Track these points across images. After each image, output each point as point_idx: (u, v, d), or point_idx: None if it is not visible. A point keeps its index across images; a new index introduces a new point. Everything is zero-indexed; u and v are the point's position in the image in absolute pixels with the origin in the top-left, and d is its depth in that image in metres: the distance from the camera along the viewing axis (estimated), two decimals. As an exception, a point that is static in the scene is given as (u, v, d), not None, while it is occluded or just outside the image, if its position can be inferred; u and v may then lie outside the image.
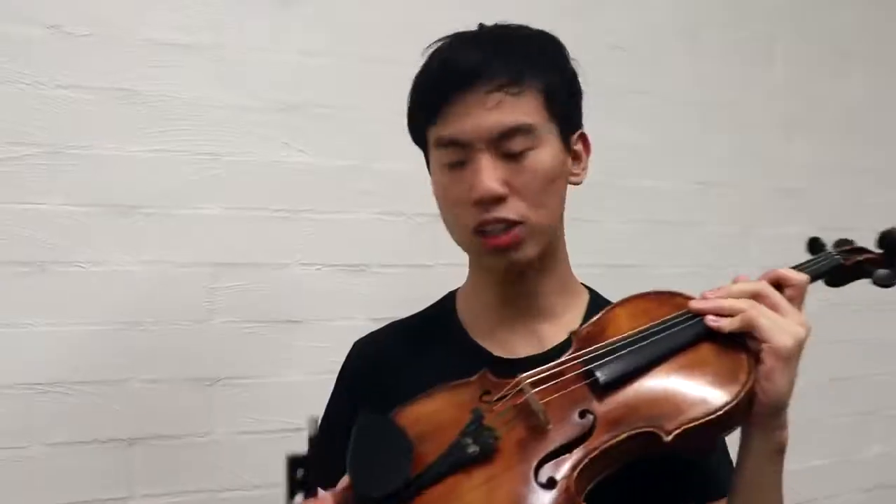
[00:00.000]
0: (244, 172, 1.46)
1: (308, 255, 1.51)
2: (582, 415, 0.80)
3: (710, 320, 0.85)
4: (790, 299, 0.87)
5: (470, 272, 1.06)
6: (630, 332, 0.85)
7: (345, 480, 0.82)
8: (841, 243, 1.08)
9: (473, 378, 0.88)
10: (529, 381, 0.83)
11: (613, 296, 1.90)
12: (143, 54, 1.39)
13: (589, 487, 0.78)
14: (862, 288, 2.03)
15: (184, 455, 1.40)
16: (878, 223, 2.15)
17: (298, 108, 1.51)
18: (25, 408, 1.32)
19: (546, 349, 0.99)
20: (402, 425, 0.82)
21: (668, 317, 0.86)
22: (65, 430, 1.33)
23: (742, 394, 0.80)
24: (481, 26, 0.99)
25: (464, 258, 1.04)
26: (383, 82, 1.56)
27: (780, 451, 0.88)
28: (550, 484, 0.76)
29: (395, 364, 1.04)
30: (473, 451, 0.78)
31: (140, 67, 1.39)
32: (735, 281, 0.91)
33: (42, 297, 1.33)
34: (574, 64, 0.99)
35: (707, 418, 0.78)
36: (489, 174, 0.90)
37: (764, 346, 0.82)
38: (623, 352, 0.84)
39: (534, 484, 0.76)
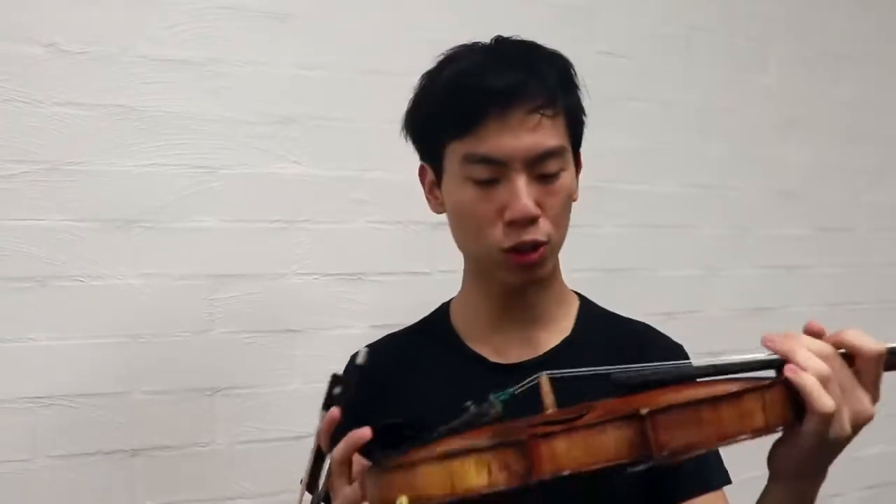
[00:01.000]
0: (240, 185, 1.48)
1: (306, 265, 1.53)
2: (582, 407, 0.80)
3: (790, 370, 0.73)
4: (857, 373, 0.76)
5: (466, 282, 1.07)
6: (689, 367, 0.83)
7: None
8: None
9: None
10: (548, 381, 0.83)
11: (610, 300, 1.93)
12: (138, 71, 1.41)
13: (558, 471, 0.70)
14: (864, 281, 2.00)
15: (186, 465, 1.42)
16: (875, 223, 2.19)
17: (294, 120, 1.53)
18: (29, 421, 1.33)
19: (540, 353, 1.02)
20: None
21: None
22: (68, 443, 1.35)
23: (739, 396, 0.70)
24: (499, 41, 1.00)
25: (461, 265, 1.06)
26: (377, 93, 1.59)
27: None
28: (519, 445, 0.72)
29: (394, 373, 1.06)
30: (495, 414, 0.78)
31: (135, 84, 1.41)
32: (808, 329, 0.78)
33: (43, 311, 1.34)
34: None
35: (690, 400, 0.70)
36: (527, 195, 0.92)
37: (809, 415, 0.73)
38: (658, 371, 0.82)
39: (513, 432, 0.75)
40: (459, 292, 1.09)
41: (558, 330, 1.05)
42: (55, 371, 1.35)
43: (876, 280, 2.18)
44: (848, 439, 0.76)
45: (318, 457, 0.84)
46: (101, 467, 1.36)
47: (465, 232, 0.98)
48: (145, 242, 1.41)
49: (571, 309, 1.08)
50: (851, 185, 2.16)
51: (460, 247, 1.02)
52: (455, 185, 0.97)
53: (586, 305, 1.10)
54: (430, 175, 1.02)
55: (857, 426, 0.76)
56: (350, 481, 0.83)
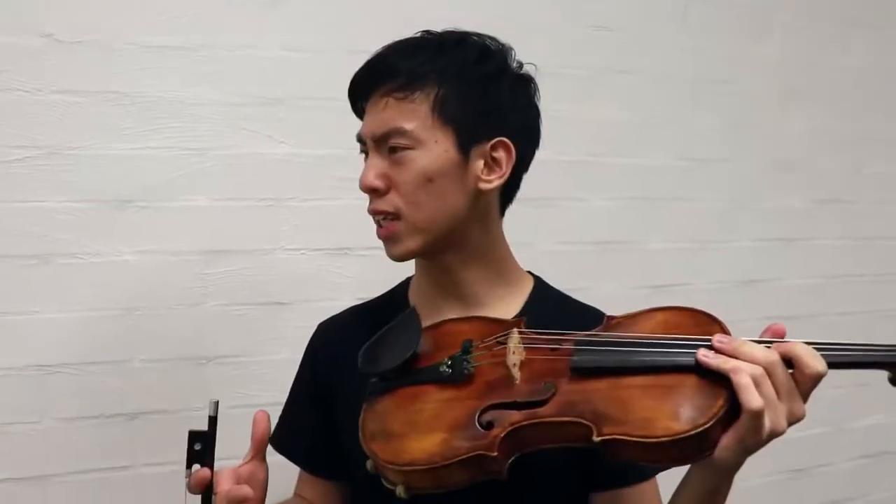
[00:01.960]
0: (230, 165, 1.55)
1: (293, 241, 1.60)
2: (548, 385, 0.86)
3: (702, 355, 0.82)
4: (797, 382, 0.82)
5: (415, 260, 1.13)
6: (640, 335, 0.87)
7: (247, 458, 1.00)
8: None
9: (510, 320, 0.98)
10: (518, 335, 0.91)
11: (599, 274, 1.98)
12: (131, 58, 1.48)
13: (519, 452, 0.84)
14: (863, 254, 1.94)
15: (181, 428, 1.48)
16: (878, 195, 2.15)
17: (281, 101, 1.58)
18: (37, 387, 1.45)
19: None
20: (425, 335, 0.96)
21: (685, 336, 0.85)
22: (72, 407, 1.47)
23: (686, 436, 0.78)
24: (424, 33, 1.05)
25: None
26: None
27: (715, 495, 0.89)
28: (487, 426, 0.84)
29: (352, 344, 1.11)
30: (444, 373, 0.91)
31: (129, 70, 1.48)
32: (768, 330, 0.86)
33: (47, 286, 1.45)
34: (507, 80, 1.02)
35: (640, 440, 0.79)
36: (369, 168, 1.01)
37: (743, 416, 0.80)
38: (615, 349, 0.87)
39: (475, 420, 0.85)
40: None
41: (503, 310, 1.07)
42: (60, 341, 1.46)
43: (875, 253, 2.15)
44: (781, 433, 0.82)
45: None
46: (102, 429, 1.48)
47: None
48: (140, 221, 1.50)
49: (522, 290, 1.11)
50: (855, 156, 2.12)
51: None
52: None
53: (540, 288, 1.13)
54: None
55: (790, 426, 0.83)
56: None
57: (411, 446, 0.86)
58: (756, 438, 0.81)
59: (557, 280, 1.16)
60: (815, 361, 0.82)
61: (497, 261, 1.09)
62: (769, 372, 0.81)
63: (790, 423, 0.83)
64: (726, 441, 0.81)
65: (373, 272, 1.61)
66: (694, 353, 0.83)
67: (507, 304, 1.09)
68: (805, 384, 0.83)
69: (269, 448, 1.18)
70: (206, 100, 1.53)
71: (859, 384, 2.04)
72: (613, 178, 1.87)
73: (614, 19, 1.86)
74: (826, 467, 2.04)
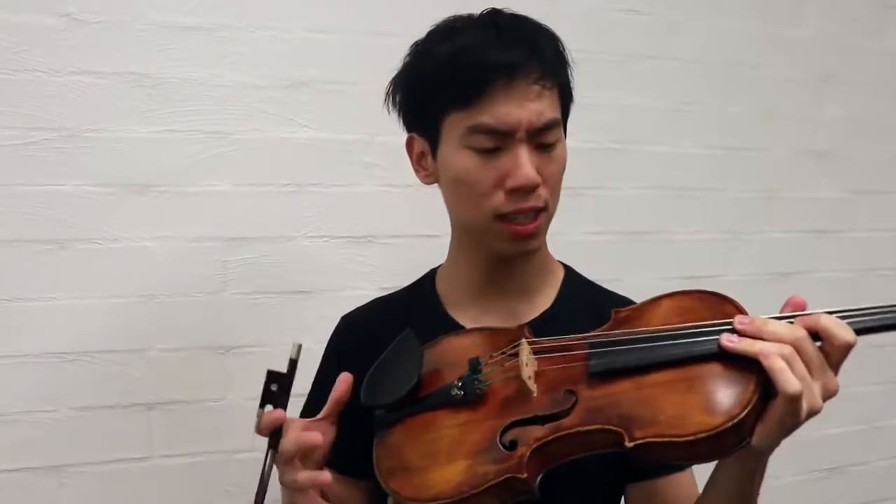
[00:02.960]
0: (252, 149, 1.51)
1: (316, 228, 1.56)
2: (567, 393, 0.82)
3: (725, 340, 0.78)
4: (827, 355, 0.79)
5: (453, 250, 1.09)
6: (655, 328, 0.83)
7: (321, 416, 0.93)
8: None
9: (513, 327, 0.94)
10: (528, 347, 0.87)
11: (632, 264, 1.93)
12: (151, 38, 1.45)
13: (547, 468, 0.80)
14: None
15: (199, 418, 1.49)
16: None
17: (304, 84, 1.54)
18: (55, 375, 1.42)
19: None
20: (426, 355, 0.91)
21: (701, 323, 0.81)
22: (90, 395, 1.43)
23: (723, 429, 0.74)
24: (494, 13, 1.01)
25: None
26: (388, 56, 1.57)
27: (751, 479, 0.86)
28: (511, 446, 0.80)
29: (377, 338, 1.09)
30: (457, 395, 0.86)
31: (148, 51, 1.45)
32: (787, 304, 0.82)
33: (64, 273, 1.42)
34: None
35: (674, 439, 0.75)
36: (530, 163, 0.95)
37: (780, 400, 0.76)
38: (631, 346, 0.82)
39: (497, 441, 0.81)
40: (446, 260, 1.11)
41: (540, 302, 1.07)
42: (77, 329, 1.43)
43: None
44: (819, 412, 0.78)
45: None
46: (119, 419, 1.45)
47: (464, 200, 1.00)
48: (160, 206, 1.46)
49: (555, 280, 1.09)
50: (891, 145, 2.06)
51: (455, 216, 1.05)
52: (453, 154, 0.98)
53: (570, 276, 1.11)
54: (420, 146, 1.04)
55: (826, 399, 0.79)
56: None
57: (434, 479, 0.81)
58: (794, 420, 0.77)
59: (586, 271, 1.13)
60: (843, 331, 0.78)
61: (545, 250, 1.08)
62: (798, 349, 0.77)
63: (825, 399, 0.79)
64: (764, 428, 0.77)
65: (397, 261, 1.60)
66: (716, 338, 0.78)
67: (543, 294, 1.08)
68: (835, 356, 0.79)
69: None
70: (228, 82, 1.50)
71: (894, 381, 2.00)
72: (643, 167, 1.82)
73: (646, 2, 1.81)
74: (861, 466, 1.99)
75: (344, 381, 0.95)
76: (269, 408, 0.89)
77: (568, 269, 1.12)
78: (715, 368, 0.78)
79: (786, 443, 0.80)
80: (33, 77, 1.39)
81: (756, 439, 0.78)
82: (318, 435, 0.90)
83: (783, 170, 1.95)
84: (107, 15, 1.42)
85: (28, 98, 1.39)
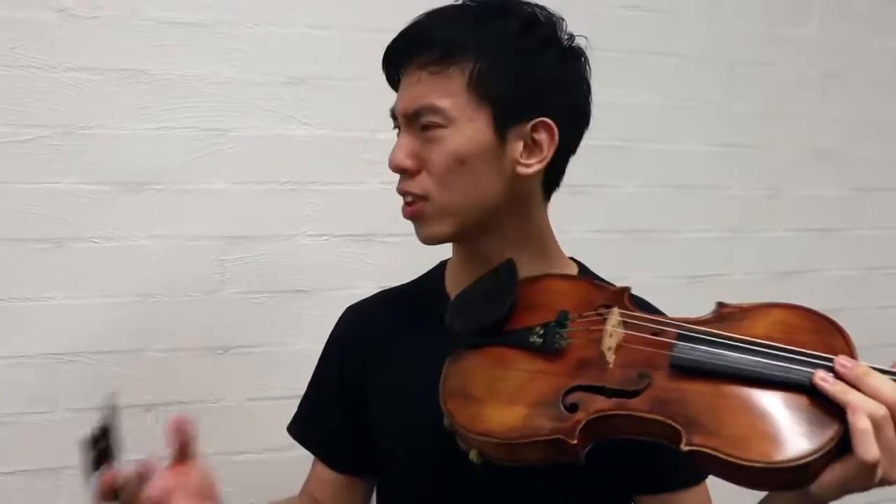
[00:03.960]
0: (250, 146, 1.49)
1: (315, 226, 1.54)
2: (642, 376, 0.79)
3: (819, 378, 0.72)
4: None
5: (452, 244, 1.07)
6: (753, 338, 0.78)
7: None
8: None
9: (614, 288, 0.91)
10: (619, 314, 0.84)
11: (635, 262, 1.90)
12: (148, 34, 1.43)
13: (598, 440, 0.78)
14: None
15: (197, 420, 1.46)
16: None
17: (303, 80, 1.52)
18: (51, 376, 1.40)
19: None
20: (522, 290, 0.90)
21: (803, 350, 0.75)
22: (86, 397, 1.41)
23: (783, 466, 0.70)
24: (467, 1, 0.96)
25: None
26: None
27: None
28: (571, 409, 0.78)
29: (382, 332, 1.08)
30: (535, 342, 0.85)
31: (145, 47, 1.43)
32: None
33: (60, 272, 1.40)
34: (547, 55, 0.93)
35: (730, 459, 0.71)
36: (400, 147, 0.94)
37: (853, 462, 0.70)
38: (723, 350, 0.77)
39: (560, 399, 0.79)
40: (452, 254, 1.09)
41: None
42: (73, 329, 1.41)
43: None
44: (893, 484, 0.73)
45: None
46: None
47: None
48: (157, 204, 1.44)
49: None
50: (894, 143, 2.04)
51: None
52: None
53: (583, 272, 1.06)
54: None
55: (882, 484, 0.72)
56: None
57: (490, 415, 0.81)
58: (863, 485, 0.71)
59: (590, 269, 1.09)
60: None
61: (539, 249, 1.01)
62: (894, 414, 0.70)
63: (884, 484, 0.72)
64: (828, 479, 0.71)
65: (397, 260, 1.57)
66: (811, 372, 0.73)
67: None
68: None
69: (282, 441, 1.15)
70: (226, 79, 1.48)
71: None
72: (647, 165, 1.80)
73: (649, -1, 1.79)
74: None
75: (178, 423, 0.92)
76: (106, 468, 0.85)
77: (581, 266, 1.07)
78: (799, 401, 0.73)
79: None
80: (28, 73, 1.37)
81: (816, 487, 0.72)
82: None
83: (787, 168, 1.93)
84: (103, 10, 1.40)
85: (23, 94, 1.37)
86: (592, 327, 0.84)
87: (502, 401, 0.81)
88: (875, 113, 2.01)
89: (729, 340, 0.78)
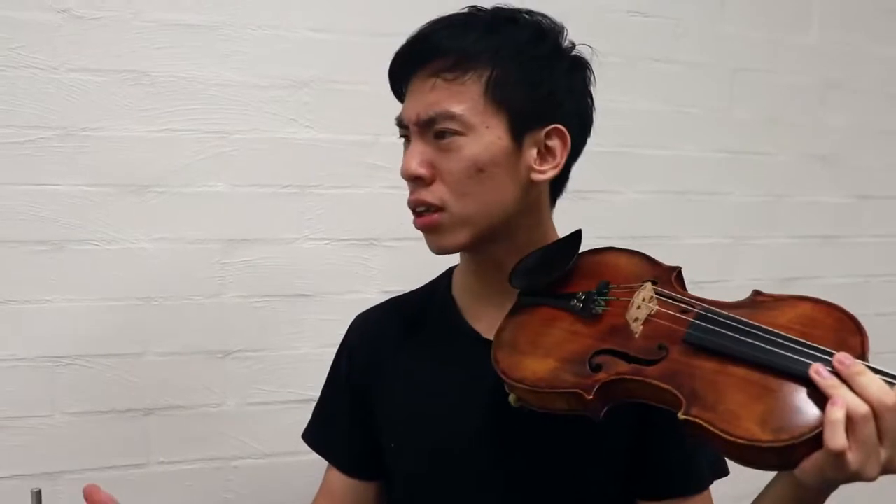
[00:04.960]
0: (253, 150, 1.49)
1: (317, 230, 1.53)
2: (660, 347, 0.85)
3: (814, 370, 0.76)
4: None
5: (460, 253, 1.06)
6: (767, 326, 0.82)
7: None
8: None
9: (665, 266, 0.96)
10: (652, 290, 0.90)
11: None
12: (150, 35, 1.42)
13: (614, 401, 0.85)
14: None
15: (197, 425, 1.46)
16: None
17: (306, 84, 1.52)
18: (49, 379, 1.39)
19: None
20: (583, 259, 0.98)
21: (809, 343, 0.79)
22: (84, 401, 1.40)
23: (765, 446, 0.75)
24: (472, 9, 0.97)
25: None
26: (390, 56, 1.55)
27: None
28: (595, 368, 0.86)
29: (392, 340, 1.08)
30: (575, 306, 0.92)
31: (148, 49, 1.42)
32: None
33: (59, 274, 1.38)
34: (560, 60, 0.95)
35: (720, 433, 0.76)
36: (412, 156, 0.93)
37: (823, 449, 0.73)
38: (733, 333, 0.82)
39: (587, 358, 0.87)
40: (459, 262, 1.09)
41: None
42: (72, 332, 1.40)
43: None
44: (871, 480, 0.74)
45: None
46: (115, 425, 1.41)
47: None
48: (158, 207, 1.43)
49: None
50: (895, 150, 2.05)
51: None
52: None
53: None
54: None
55: (886, 473, 0.75)
56: None
57: (527, 364, 0.89)
58: (836, 474, 0.73)
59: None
60: None
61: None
62: (877, 414, 0.72)
63: (885, 473, 0.74)
64: (807, 465, 0.74)
65: (400, 264, 1.57)
66: (809, 364, 0.77)
67: None
68: None
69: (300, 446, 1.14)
70: (229, 81, 1.47)
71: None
72: (648, 171, 1.80)
73: (651, 4, 1.79)
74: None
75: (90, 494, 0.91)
76: None
77: None
78: (793, 390, 0.77)
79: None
80: (30, 74, 1.36)
81: (798, 472, 0.75)
82: None
83: (788, 174, 1.93)
84: (106, 11, 1.39)
85: (24, 95, 1.36)
86: (627, 298, 0.91)
87: (539, 353, 0.89)
88: (875, 120, 2.01)
89: (744, 326, 0.83)
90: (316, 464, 1.14)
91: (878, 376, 0.75)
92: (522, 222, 0.97)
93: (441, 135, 0.91)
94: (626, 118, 1.77)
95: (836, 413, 0.72)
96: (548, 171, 0.94)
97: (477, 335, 1.01)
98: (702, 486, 0.98)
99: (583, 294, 0.93)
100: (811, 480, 0.75)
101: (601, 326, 0.90)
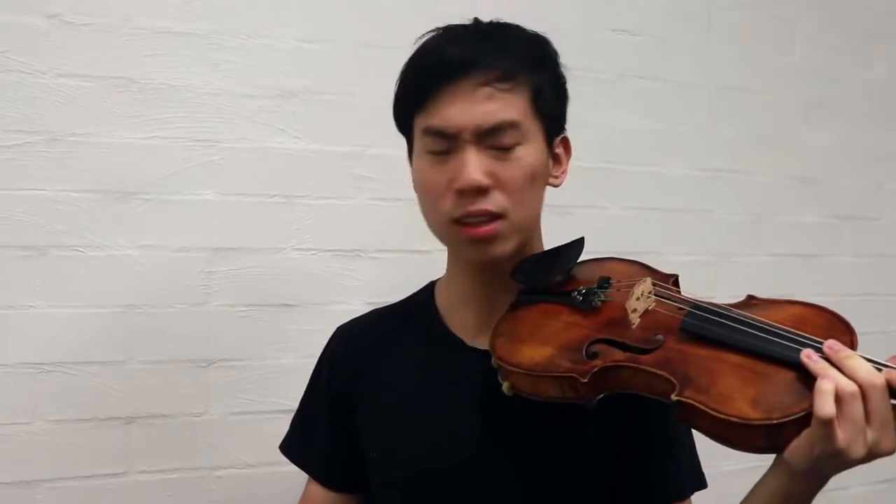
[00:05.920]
0: (240, 158, 1.48)
1: (304, 241, 1.53)
2: (656, 338, 0.88)
3: (804, 354, 0.79)
4: None
5: (448, 262, 1.07)
6: (763, 320, 0.85)
7: None
8: None
9: (662, 272, 1.01)
10: (651, 285, 0.94)
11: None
12: (140, 42, 1.42)
13: (608, 390, 0.87)
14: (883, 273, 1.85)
15: (180, 434, 1.45)
16: (899, 213, 2.11)
17: (295, 94, 1.52)
18: (29, 386, 1.37)
19: None
20: (587, 265, 1.03)
21: (798, 332, 0.82)
22: (66, 408, 1.39)
23: (755, 424, 0.77)
24: (476, 21, 0.99)
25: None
26: (381, 68, 1.55)
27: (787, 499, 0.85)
28: (590, 356, 0.89)
29: (373, 350, 1.08)
30: (576, 299, 0.95)
31: (137, 56, 1.42)
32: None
33: (43, 280, 1.37)
34: (563, 69, 1.01)
35: (711, 413, 0.79)
36: (475, 165, 0.91)
37: (812, 419, 0.76)
38: (728, 322, 0.85)
39: (584, 346, 0.90)
40: (445, 273, 1.09)
41: None
42: (54, 338, 1.38)
43: (894, 271, 2.11)
44: (859, 460, 0.77)
45: None
46: (96, 433, 1.40)
47: (424, 204, 0.99)
48: (144, 214, 1.43)
49: None
50: (875, 172, 2.08)
51: (426, 222, 1.01)
52: (417, 157, 0.98)
53: None
54: (408, 150, 1.03)
55: (873, 455, 0.77)
56: None
57: (524, 351, 0.91)
58: (826, 450, 0.75)
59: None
60: None
61: None
62: (864, 394, 0.76)
63: (872, 455, 0.77)
64: (796, 443, 0.77)
65: (385, 276, 1.58)
66: (800, 350, 0.80)
67: None
68: None
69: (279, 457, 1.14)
70: (217, 90, 1.47)
71: None
72: (632, 187, 1.82)
73: (636, 23, 1.81)
74: (842, 490, 1.99)
75: None
76: None
77: None
78: (784, 374, 0.80)
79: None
80: (17, 78, 1.35)
81: (787, 452, 0.78)
82: None
83: (770, 194, 1.96)
84: (96, 17, 1.39)
85: (10, 100, 1.35)
86: (626, 290, 0.94)
87: (537, 342, 0.92)
88: (857, 142, 2.05)
89: (739, 316, 0.86)
90: (299, 475, 1.13)
91: (868, 363, 0.78)
92: (537, 229, 1.02)
93: (500, 143, 0.92)
94: (612, 135, 1.79)
95: (826, 385, 0.75)
96: (560, 177, 1.01)
97: (461, 342, 1.02)
98: (682, 493, 1.00)
99: (583, 288, 0.97)
100: (800, 460, 0.77)
101: (600, 318, 0.93)
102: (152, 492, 1.43)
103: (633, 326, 0.90)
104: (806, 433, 0.76)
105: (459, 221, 0.94)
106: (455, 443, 0.98)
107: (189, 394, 1.46)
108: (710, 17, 1.90)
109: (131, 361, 1.43)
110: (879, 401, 0.76)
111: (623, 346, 0.88)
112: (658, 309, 0.91)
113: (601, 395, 0.87)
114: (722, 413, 0.78)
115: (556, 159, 1.00)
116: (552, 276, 0.99)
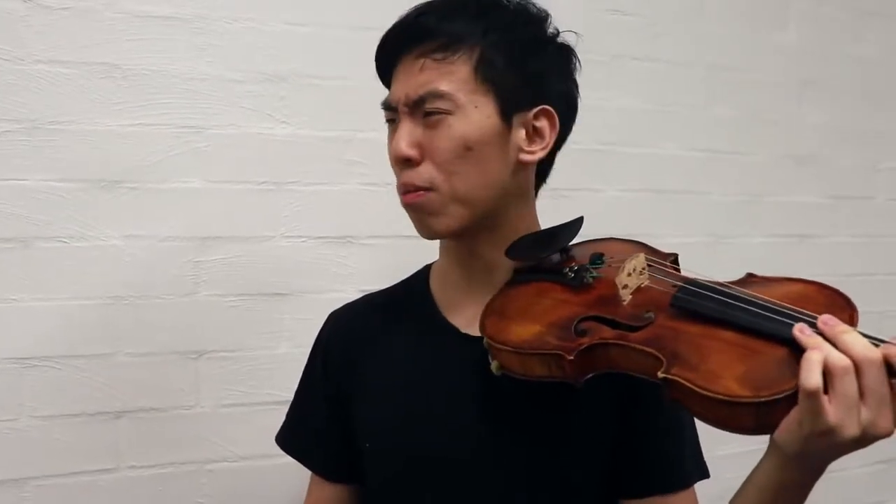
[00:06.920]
0: (228, 145, 1.45)
1: (294, 228, 1.50)
2: (647, 314, 0.85)
3: (797, 329, 0.75)
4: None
5: (441, 247, 1.05)
6: (757, 296, 0.82)
7: None
8: None
9: (662, 251, 0.99)
10: (644, 261, 0.92)
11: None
12: (122, 27, 1.38)
13: (595, 369, 0.85)
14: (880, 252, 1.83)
15: (170, 427, 1.42)
16: (893, 192, 2.10)
17: (283, 78, 1.49)
18: (14, 381, 1.34)
19: None
20: (583, 245, 1.01)
21: (793, 308, 0.79)
22: (52, 403, 1.36)
23: (742, 401, 0.74)
24: None
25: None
26: (369, 51, 1.52)
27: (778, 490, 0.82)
28: (579, 333, 0.87)
29: (367, 337, 1.06)
30: (568, 275, 0.94)
31: (120, 41, 1.38)
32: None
33: (26, 272, 1.34)
34: (549, 35, 0.97)
35: (699, 390, 0.76)
36: (402, 136, 0.92)
37: (800, 392, 0.72)
38: (720, 297, 0.82)
39: (573, 324, 0.88)
40: (438, 257, 1.07)
41: None
42: (39, 332, 1.35)
43: (890, 251, 2.09)
44: (854, 442, 0.73)
45: None
46: (85, 428, 1.37)
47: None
48: (130, 203, 1.39)
49: None
50: (871, 151, 2.06)
51: None
52: None
53: None
54: None
55: (869, 436, 0.73)
56: None
57: (512, 328, 0.90)
58: (816, 428, 0.71)
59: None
60: None
61: None
62: (859, 370, 0.72)
63: (868, 436, 0.72)
64: (785, 421, 0.74)
65: (377, 262, 1.55)
66: (793, 325, 0.77)
67: None
68: None
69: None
70: (203, 75, 1.43)
71: None
72: (627, 169, 1.79)
73: (630, 3, 1.78)
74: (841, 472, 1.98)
75: None
76: None
77: None
78: (776, 351, 0.77)
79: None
80: (-7, 64, 1.32)
81: (777, 433, 0.75)
82: None
83: (765, 174, 1.94)
84: (76, 1, 1.35)
85: (-12, 87, 1.31)
86: (618, 266, 0.92)
87: (527, 320, 0.90)
88: (852, 120, 2.03)
89: (730, 292, 0.84)
90: (293, 467, 1.11)
91: (865, 339, 0.74)
92: (511, 207, 0.97)
93: (430, 114, 0.91)
94: (606, 116, 1.76)
95: (814, 355, 0.72)
96: (537, 152, 0.95)
97: (455, 330, 1.00)
98: (686, 482, 0.97)
99: (575, 265, 0.95)
100: (790, 441, 0.74)
101: (591, 295, 0.91)
102: (143, 487, 1.40)
103: (625, 303, 0.88)
104: (794, 411, 0.73)
105: (401, 195, 0.95)
106: (449, 432, 0.96)
107: (179, 386, 1.43)
108: (704, -4, 1.87)
109: (119, 354, 1.39)
110: (875, 377, 0.72)
111: (612, 324, 0.86)
112: (651, 285, 0.89)
113: (590, 375, 0.85)
114: (709, 391, 0.75)
115: (536, 132, 0.95)
116: (547, 254, 0.97)
